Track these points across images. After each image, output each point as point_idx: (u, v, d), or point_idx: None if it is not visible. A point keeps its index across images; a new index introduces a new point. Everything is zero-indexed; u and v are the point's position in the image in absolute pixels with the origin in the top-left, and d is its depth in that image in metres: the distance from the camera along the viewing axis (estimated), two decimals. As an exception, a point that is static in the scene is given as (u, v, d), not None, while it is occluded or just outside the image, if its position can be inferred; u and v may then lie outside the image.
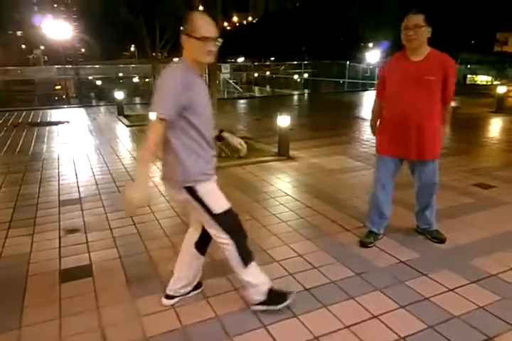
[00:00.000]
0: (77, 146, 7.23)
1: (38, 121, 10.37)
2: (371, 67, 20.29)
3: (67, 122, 10.01)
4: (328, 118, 10.10)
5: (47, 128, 9.24)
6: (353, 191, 4.59)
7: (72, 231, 3.67)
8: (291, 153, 6.25)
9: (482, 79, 25.87)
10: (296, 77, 26.35)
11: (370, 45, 25.64)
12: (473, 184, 4.76)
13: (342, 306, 2.50)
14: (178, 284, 2.52)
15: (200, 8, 6.68)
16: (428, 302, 2.52)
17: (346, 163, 5.84)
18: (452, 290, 2.65)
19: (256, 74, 28.29)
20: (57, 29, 19.92)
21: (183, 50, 2.12)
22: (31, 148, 7.14)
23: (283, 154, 6.17)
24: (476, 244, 3.29)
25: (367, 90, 16.87)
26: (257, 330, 2.30)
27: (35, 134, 8.47)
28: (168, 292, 2.54)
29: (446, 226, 3.52)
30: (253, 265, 2.36)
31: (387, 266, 2.96)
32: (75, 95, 22.77)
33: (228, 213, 2.25)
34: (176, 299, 2.55)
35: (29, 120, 10.47)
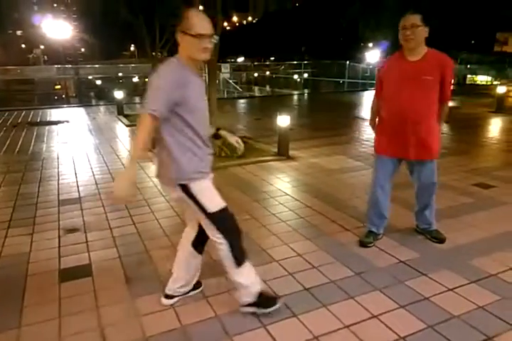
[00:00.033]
0: (76, 146, 7.23)
1: (38, 120, 10.37)
2: (371, 67, 20.30)
3: (67, 122, 10.00)
4: (328, 118, 10.10)
5: (46, 127, 9.23)
6: (353, 191, 4.59)
7: (72, 230, 3.67)
8: (291, 152, 6.25)
9: (482, 79, 25.88)
10: (296, 76, 26.37)
11: (370, 45, 25.65)
12: (473, 184, 4.76)
13: (342, 306, 2.50)
14: (177, 284, 2.52)
15: (200, 7, 6.68)
16: (428, 302, 2.52)
17: (346, 162, 5.84)
18: (452, 290, 2.65)
19: (256, 74, 28.30)
20: (57, 29, 19.91)
21: (178, 48, 2.12)
22: (31, 148, 7.13)
23: (283, 154, 6.17)
24: (476, 243, 3.29)
25: (367, 90, 16.87)
26: (257, 330, 2.29)
27: (35, 134, 8.46)
28: (168, 291, 2.54)
29: (446, 226, 3.52)
30: (246, 266, 2.33)
31: (386, 266, 2.96)
32: (74, 95, 22.78)
33: (223, 212, 2.24)
34: (176, 299, 2.55)
35: (29, 119, 10.47)
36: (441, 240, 3.30)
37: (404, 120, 2.98)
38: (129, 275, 2.91)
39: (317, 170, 5.46)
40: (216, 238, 2.25)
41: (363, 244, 3.27)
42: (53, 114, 11.52)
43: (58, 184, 5.03)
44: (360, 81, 19.68)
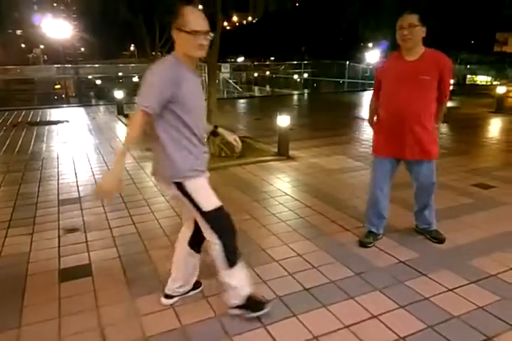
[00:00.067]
0: (76, 146, 7.23)
1: (38, 120, 10.36)
2: (371, 67, 20.29)
3: (67, 121, 10.00)
4: (328, 118, 10.10)
5: (46, 127, 9.23)
6: (353, 191, 4.59)
7: (72, 230, 3.67)
8: (291, 152, 6.25)
9: (482, 79, 25.89)
10: (295, 76, 26.37)
11: (370, 45, 25.66)
12: (473, 184, 4.76)
13: (341, 306, 2.50)
14: (176, 284, 2.52)
15: (200, 7, 6.68)
16: (427, 302, 2.52)
17: (346, 162, 5.84)
18: (452, 290, 2.65)
19: (256, 74, 28.28)
20: (57, 28, 19.90)
21: (175, 45, 2.11)
22: (31, 148, 7.13)
23: (283, 154, 6.17)
24: (476, 244, 3.29)
25: (366, 90, 16.86)
26: (257, 330, 2.30)
27: (35, 133, 8.46)
28: (167, 291, 2.54)
29: (446, 226, 3.52)
30: (238, 268, 2.31)
31: (386, 266, 2.96)
32: (74, 94, 22.76)
33: (219, 211, 2.23)
34: (175, 298, 2.55)
35: (28, 119, 10.46)
36: (440, 240, 3.30)
37: (402, 120, 2.98)
38: (129, 275, 2.91)
39: (317, 170, 5.46)
40: (210, 237, 2.24)
41: (362, 244, 3.27)
42: (53, 113, 11.52)
43: (58, 184, 5.03)
44: (360, 81, 19.68)
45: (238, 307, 2.36)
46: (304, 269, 2.94)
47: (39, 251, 3.29)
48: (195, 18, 2.03)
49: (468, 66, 24.36)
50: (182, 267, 2.49)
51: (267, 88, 25.15)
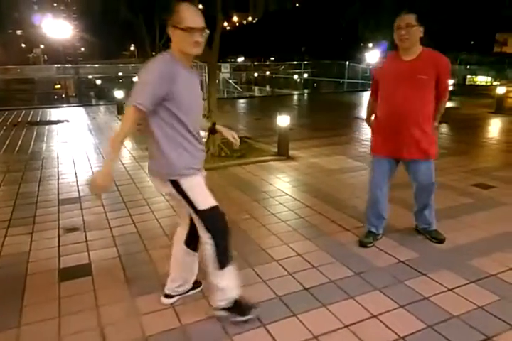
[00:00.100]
0: (76, 145, 7.23)
1: (38, 120, 10.37)
2: (371, 67, 20.27)
3: (67, 121, 10.00)
4: (328, 118, 10.11)
5: (46, 127, 9.24)
6: (353, 191, 4.60)
7: (72, 230, 3.67)
8: (291, 152, 6.25)
9: (482, 79, 25.88)
10: (295, 77, 26.33)
11: (370, 45, 25.63)
12: (473, 184, 4.76)
13: (341, 305, 2.50)
14: (175, 283, 2.52)
15: (200, 6, 6.68)
16: (427, 302, 2.52)
17: (346, 162, 5.84)
18: (451, 290, 2.65)
19: (256, 74, 28.26)
20: (57, 28, 19.89)
21: (171, 42, 2.11)
22: (31, 147, 7.14)
23: (282, 154, 6.18)
24: (476, 244, 3.29)
25: (366, 90, 16.84)
26: (257, 329, 2.30)
27: (35, 133, 8.46)
28: (167, 291, 2.54)
29: (446, 226, 3.53)
30: (228, 270, 2.27)
31: (386, 266, 2.97)
32: (74, 94, 22.72)
33: (214, 211, 2.21)
34: (175, 298, 2.55)
35: (29, 119, 10.47)
36: (440, 240, 3.30)
37: (399, 119, 2.98)
38: (129, 274, 2.91)
39: (317, 170, 5.47)
40: (203, 236, 2.23)
41: (362, 244, 3.27)
42: (53, 113, 11.52)
43: (58, 183, 5.03)
44: (360, 81, 19.66)
45: (225, 309, 2.33)
46: (304, 269, 2.94)
47: (39, 250, 3.29)
48: (190, 15, 2.02)
49: (468, 66, 24.35)
50: (180, 267, 2.49)
51: (267, 88, 25.13)
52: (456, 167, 5.47)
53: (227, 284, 2.29)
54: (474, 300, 2.53)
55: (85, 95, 21.76)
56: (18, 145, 7.28)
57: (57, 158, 6.34)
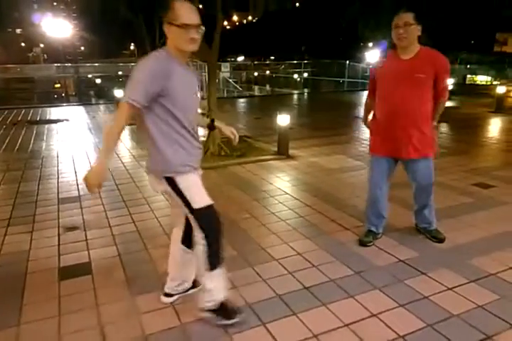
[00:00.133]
0: (76, 144, 7.22)
1: (38, 119, 10.36)
2: (371, 66, 20.25)
3: (67, 120, 10.00)
4: (328, 118, 10.10)
5: (46, 126, 9.23)
6: (353, 190, 4.60)
7: (72, 228, 3.67)
8: (291, 152, 6.25)
9: (482, 79, 25.87)
10: (295, 76, 26.31)
11: (370, 44, 25.63)
12: (473, 184, 4.76)
13: (341, 304, 2.50)
14: (174, 282, 2.52)
15: (200, 6, 6.67)
16: (427, 301, 2.52)
17: (346, 162, 5.84)
18: (451, 289, 2.65)
19: (256, 74, 28.22)
20: (57, 27, 19.89)
21: (167, 39, 2.11)
22: (30, 146, 7.13)
23: (282, 153, 6.17)
24: (476, 243, 3.29)
25: (366, 90, 16.77)
26: (256, 328, 2.30)
27: (35, 132, 8.45)
28: (167, 290, 2.54)
29: (446, 225, 3.53)
30: (218, 272, 2.25)
31: (386, 265, 2.97)
32: (74, 93, 22.71)
33: (209, 210, 2.19)
34: (175, 297, 2.55)
35: (28, 118, 10.46)
36: (440, 239, 3.30)
37: (397, 118, 2.98)
38: (129, 273, 2.91)
39: (317, 170, 5.47)
40: (197, 236, 2.21)
41: (362, 243, 3.27)
42: (53, 112, 11.51)
43: (58, 182, 5.03)
44: (360, 80, 19.64)
45: (210, 311, 2.31)
46: (304, 268, 2.94)
47: (39, 249, 3.29)
48: (185, 11, 2.02)
49: (468, 66, 24.33)
50: (178, 266, 2.49)
51: (267, 87, 25.10)
52: (456, 166, 5.47)
53: (215, 286, 2.27)
54: (474, 299, 2.53)
55: (85, 94, 21.73)
56: (18, 144, 7.28)
57: (57, 156, 6.34)
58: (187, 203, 2.16)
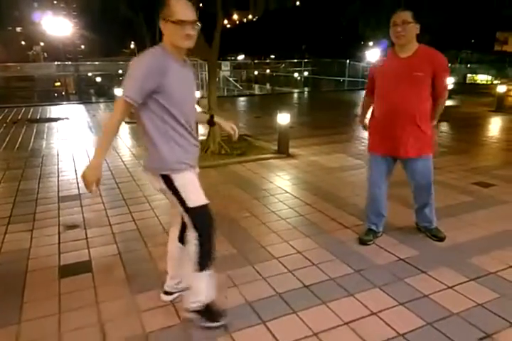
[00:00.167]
0: (76, 143, 7.22)
1: (38, 117, 10.36)
2: (371, 65, 20.23)
3: (67, 119, 10.00)
4: (328, 117, 10.10)
5: (46, 124, 9.23)
6: (353, 189, 4.60)
7: (72, 227, 3.67)
8: (291, 150, 6.25)
9: (482, 78, 25.85)
10: (296, 75, 26.29)
11: (370, 43, 25.61)
12: (473, 182, 4.76)
13: (341, 303, 2.51)
14: (174, 280, 2.52)
15: (200, 5, 6.67)
16: (427, 300, 2.52)
17: (346, 161, 5.84)
18: (451, 287, 2.65)
19: (256, 72, 28.19)
20: (57, 25, 19.89)
21: (163, 36, 2.10)
22: (31, 145, 7.13)
23: (283, 152, 6.17)
24: (476, 242, 3.30)
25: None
26: (256, 326, 2.30)
27: (35, 130, 8.46)
28: (166, 288, 2.54)
29: (446, 224, 3.53)
30: (207, 273, 2.22)
31: (386, 264, 2.97)
32: (74, 92, 22.70)
33: (204, 209, 2.18)
34: (175, 295, 2.54)
35: (28, 116, 10.46)
36: (440, 238, 3.30)
37: (396, 117, 2.97)
38: (129, 271, 2.91)
39: (317, 168, 5.47)
40: (190, 236, 2.19)
41: (362, 242, 3.27)
42: (53, 110, 11.52)
43: (58, 180, 5.04)
44: (361, 79, 19.62)
45: (195, 312, 2.29)
46: (304, 266, 2.95)
47: (39, 247, 3.29)
48: (181, 8, 2.01)
49: (468, 65, 24.32)
50: (177, 264, 2.48)
51: (267, 86, 25.08)
52: (457, 165, 5.47)
53: (202, 287, 2.25)
54: (474, 297, 2.53)
55: (85, 92, 21.72)
56: (18, 143, 7.28)
57: (57, 155, 6.34)
58: (182, 201, 2.15)
